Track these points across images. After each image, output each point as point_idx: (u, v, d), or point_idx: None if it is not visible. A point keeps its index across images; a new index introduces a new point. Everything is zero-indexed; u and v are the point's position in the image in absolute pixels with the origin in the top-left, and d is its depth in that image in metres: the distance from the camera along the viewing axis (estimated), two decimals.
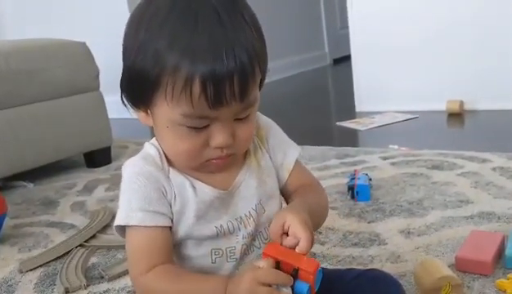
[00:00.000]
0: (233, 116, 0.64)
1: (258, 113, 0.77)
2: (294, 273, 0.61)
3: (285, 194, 0.78)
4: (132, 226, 0.69)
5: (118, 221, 0.70)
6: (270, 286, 0.59)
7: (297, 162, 0.78)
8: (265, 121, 0.78)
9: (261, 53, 0.64)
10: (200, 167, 0.69)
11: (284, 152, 0.77)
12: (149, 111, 0.68)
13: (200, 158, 0.67)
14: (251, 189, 0.73)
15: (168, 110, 0.63)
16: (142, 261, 0.68)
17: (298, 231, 0.62)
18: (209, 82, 0.59)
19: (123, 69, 0.67)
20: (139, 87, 0.65)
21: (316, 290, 0.63)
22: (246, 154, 0.74)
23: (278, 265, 0.61)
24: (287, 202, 0.78)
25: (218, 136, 0.64)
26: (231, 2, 0.63)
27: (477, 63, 2.17)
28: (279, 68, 3.68)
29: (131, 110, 0.70)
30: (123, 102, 0.69)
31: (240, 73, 0.61)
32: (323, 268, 0.84)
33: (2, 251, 1.31)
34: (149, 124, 0.69)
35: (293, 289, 0.61)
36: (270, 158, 0.76)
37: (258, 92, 0.66)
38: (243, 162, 0.74)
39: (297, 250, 0.62)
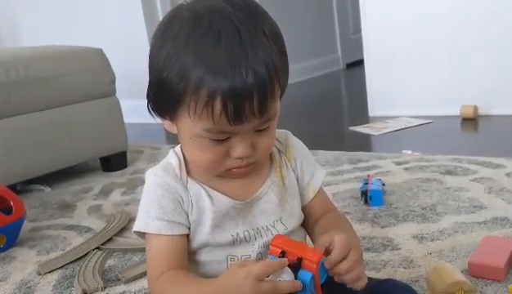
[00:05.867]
0: (253, 129, 0.67)
1: (289, 132, 0.80)
2: (298, 263, 0.63)
3: (307, 214, 0.80)
4: (150, 233, 0.72)
5: (136, 227, 0.74)
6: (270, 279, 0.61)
7: (321, 185, 0.81)
8: (295, 141, 0.81)
9: (281, 68, 0.66)
10: (222, 175, 0.71)
11: (311, 173, 0.80)
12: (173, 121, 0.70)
13: (222, 167, 0.70)
14: (272, 204, 0.75)
15: (191, 124, 0.66)
16: (156, 267, 0.72)
17: (335, 250, 0.64)
18: (230, 100, 0.62)
19: (150, 81, 0.70)
20: (164, 100, 0.68)
21: (321, 282, 0.64)
22: (272, 169, 0.76)
23: (284, 255, 0.64)
24: (307, 222, 0.80)
25: (239, 148, 0.67)
26: (252, 19, 0.65)
27: (491, 68, 2.16)
28: (292, 72, 3.67)
29: (157, 119, 0.72)
30: (149, 111, 0.71)
31: (260, 89, 0.62)
32: None
33: (21, 254, 1.34)
34: (173, 132, 0.72)
35: (297, 278, 0.63)
36: (296, 177, 0.78)
37: (278, 106, 0.68)
38: (267, 175, 0.76)
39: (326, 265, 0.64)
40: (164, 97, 0.67)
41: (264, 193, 0.74)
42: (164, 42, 0.66)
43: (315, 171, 0.80)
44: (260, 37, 0.64)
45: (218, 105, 0.62)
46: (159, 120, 0.73)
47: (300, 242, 0.66)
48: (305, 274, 0.62)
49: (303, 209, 0.80)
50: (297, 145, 0.80)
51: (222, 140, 0.66)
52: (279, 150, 0.78)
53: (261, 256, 0.73)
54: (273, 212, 0.75)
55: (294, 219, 0.77)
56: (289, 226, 0.75)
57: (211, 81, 0.61)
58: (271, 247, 0.65)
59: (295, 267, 0.63)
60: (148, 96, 0.70)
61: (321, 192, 0.81)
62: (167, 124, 0.72)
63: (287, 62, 0.69)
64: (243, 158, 0.68)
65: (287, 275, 0.62)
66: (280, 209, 0.75)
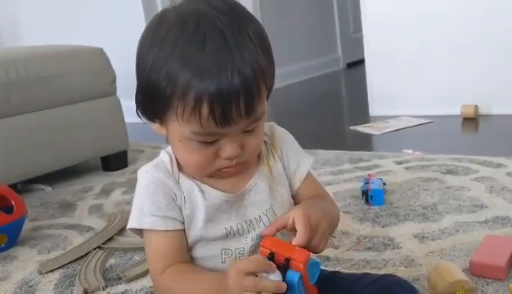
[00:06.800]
0: (241, 130, 0.68)
1: (274, 124, 0.81)
2: (286, 263, 0.63)
3: (296, 203, 0.80)
4: (146, 230, 0.73)
5: (131, 224, 0.75)
6: (256, 277, 0.62)
7: (309, 173, 0.81)
8: (280, 131, 0.81)
9: (266, 69, 0.67)
10: (213, 175, 0.72)
11: (297, 161, 0.80)
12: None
13: (212, 168, 0.71)
14: (262, 194, 0.76)
15: (179, 127, 0.67)
16: (158, 263, 0.73)
17: (297, 224, 0.66)
18: (217, 103, 0.62)
19: (138, 86, 0.70)
20: (153, 104, 0.68)
21: (312, 282, 0.65)
22: (259, 161, 0.77)
23: (273, 256, 0.64)
24: None
25: (228, 149, 0.68)
26: (237, 22, 0.66)
27: (491, 67, 2.16)
28: (292, 72, 3.69)
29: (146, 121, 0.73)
30: (138, 114, 0.72)
31: (246, 91, 0.63)
32: (338, 271, 0.86)
33: (22, 253, 1.34)
34: (163, 134, 0.73)
35: (285, 278, 0.63)
36: (283, 166, 0.79)
37: (265, 106, 0.69)
38: (255, 168, 0.77)
39: (293, 242, 0.65)
40: (153, 100, 0.68)
41: (254, 184, 0.76)
42: (152, 46, 0.67)
43: (301, 160, 0.81)
44: (245, 39, 0.65)
45: (205, 109, 0.63)
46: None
47: (289, 243, 0.66)
48: (293, 275, 0.63)
49: (293, 198, 0.80)
50: (283, 136, 0.81)
51: (211, 142, 0.67)
52: (265, 142, 0.79)
53: (254, 249, 0.74)
54: (264, 201, 0.76)
55: (284, 207, 0.77)
56: (280, 214, 0.76)
57: (198, 84, 0.62)
58: (260, 248, 0.66)
59: (284, 268, 0.63)
60: (137, 100, 0.71)
61: (308, 180, 0.81)
62: (156, 127, 0.73)
63: (273, 63, 0.70)
64: (232, 158, 0.69)
65: (275, 276, 0.62)
66: (271, 197, 0.76)
